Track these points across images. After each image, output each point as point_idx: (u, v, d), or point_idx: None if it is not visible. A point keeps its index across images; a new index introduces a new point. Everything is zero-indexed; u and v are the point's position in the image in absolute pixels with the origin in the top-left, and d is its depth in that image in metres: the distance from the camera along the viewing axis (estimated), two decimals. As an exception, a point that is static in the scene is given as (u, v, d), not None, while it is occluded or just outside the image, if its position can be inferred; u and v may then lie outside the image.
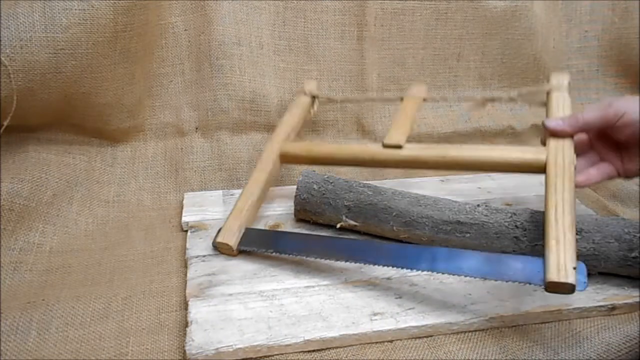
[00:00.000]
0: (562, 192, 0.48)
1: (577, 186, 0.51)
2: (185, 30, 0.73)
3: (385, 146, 0.56)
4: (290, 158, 0.62)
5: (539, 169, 0.52)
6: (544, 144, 0.54)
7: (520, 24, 0.83)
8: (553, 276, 0.42)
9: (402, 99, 0.67)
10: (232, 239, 0.54)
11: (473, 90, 0.88)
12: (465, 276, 0.46)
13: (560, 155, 0.51)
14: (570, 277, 0.42)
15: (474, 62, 0.86)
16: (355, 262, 0.52)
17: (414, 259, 0.49)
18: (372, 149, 0.58)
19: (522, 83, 0.89)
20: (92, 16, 0.59)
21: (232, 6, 0.73)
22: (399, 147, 0.56)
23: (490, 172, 0.57)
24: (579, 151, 0.55)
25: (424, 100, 0.68)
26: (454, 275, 0.47)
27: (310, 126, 0.78)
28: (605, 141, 0.54)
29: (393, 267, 0.50)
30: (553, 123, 0.53)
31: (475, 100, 0.64)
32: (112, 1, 0.60)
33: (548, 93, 0.61)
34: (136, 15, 0.63)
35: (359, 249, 0.52)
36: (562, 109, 0.57)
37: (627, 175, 0.54)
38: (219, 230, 0.56)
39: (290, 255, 0.53)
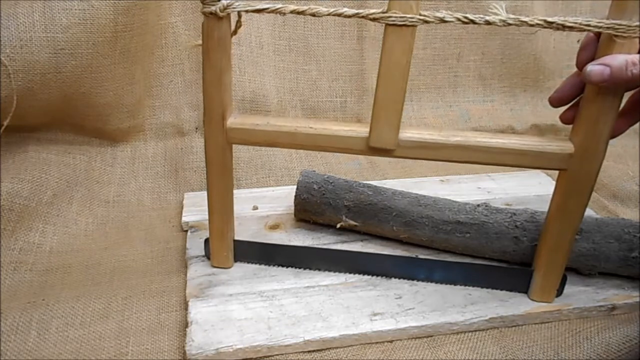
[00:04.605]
0: (572, 217, 0.45)
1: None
2: (185, 30, 0.73)
3: (373, 149, 0.45)
4: (244, 144, 0.48)
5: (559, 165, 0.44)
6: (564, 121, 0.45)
7: (520, 24, 0.83)
8: (536, 297, 0.49)
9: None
10: (227, 262, 0.53)
11: (473, 90, 0.88)
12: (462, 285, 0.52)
13: (591, 152, 0.42)
14: (551, 299, 0.49)
15: (474, 62, 0.86)
16: (352, 273, 0.53)
17: (411, 272, 0.52)
18: (354, 144, 0.45)
19: (522, 83, 0.89)
20: (92, 16, 0.59)
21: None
22: (389, 151, 0.44)
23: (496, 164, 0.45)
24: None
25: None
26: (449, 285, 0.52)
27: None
28: None
29: (391, 278, 0.52)
30: (596, 71, 0.38)
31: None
32: (112, 1, 0.60)
33: None
34: (136, 15, 0.63)
35: (356, 264, 0.53)
36: None
37: None
38: (207, 241, 0.53)
39: (288, 268, 0.54)
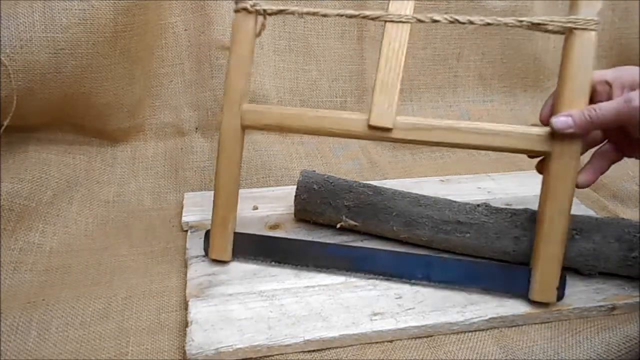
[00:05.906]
0: (561, 200, 0.47)
1: (579, 187, 0.48)
2: (185, 30, 0.73)
3: (372, 127, 0.49)
4: (256, 127, 0.52)
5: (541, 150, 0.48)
6: (540, 171, 0.50)
7: (520, 24, 0.83)
8: (536, 297, 0.48)
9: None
10: (225, 254, 0.53)
11: (473, 90, 0.88)
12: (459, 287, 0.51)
13: (567, 152, 0.47)
14: (552, 298, 0.48)
15: (474, 62, 0.86)
16: (351, 273, 0.52)
17: (410, 269, 0.52)
18: (355, 126, 0.49)
19: (522, 83, 0.89)
20: (92, 16, 0.59)
21: (232, 6, 0.73)
22: (388, 129, 0.49)
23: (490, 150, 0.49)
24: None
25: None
26: (447, 285, 0.51)
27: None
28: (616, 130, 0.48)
29: (390, 277, 0.52)
30: (561, 121, 0.45)
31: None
32: (112, 1, 0.60)
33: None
34: (136, 15, 0.63)
35: (354, 259, 0.53)
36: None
37: (630, 156, 0.49)
38: (207, 235, 0.54)
39: (287, 266, 0.53)
